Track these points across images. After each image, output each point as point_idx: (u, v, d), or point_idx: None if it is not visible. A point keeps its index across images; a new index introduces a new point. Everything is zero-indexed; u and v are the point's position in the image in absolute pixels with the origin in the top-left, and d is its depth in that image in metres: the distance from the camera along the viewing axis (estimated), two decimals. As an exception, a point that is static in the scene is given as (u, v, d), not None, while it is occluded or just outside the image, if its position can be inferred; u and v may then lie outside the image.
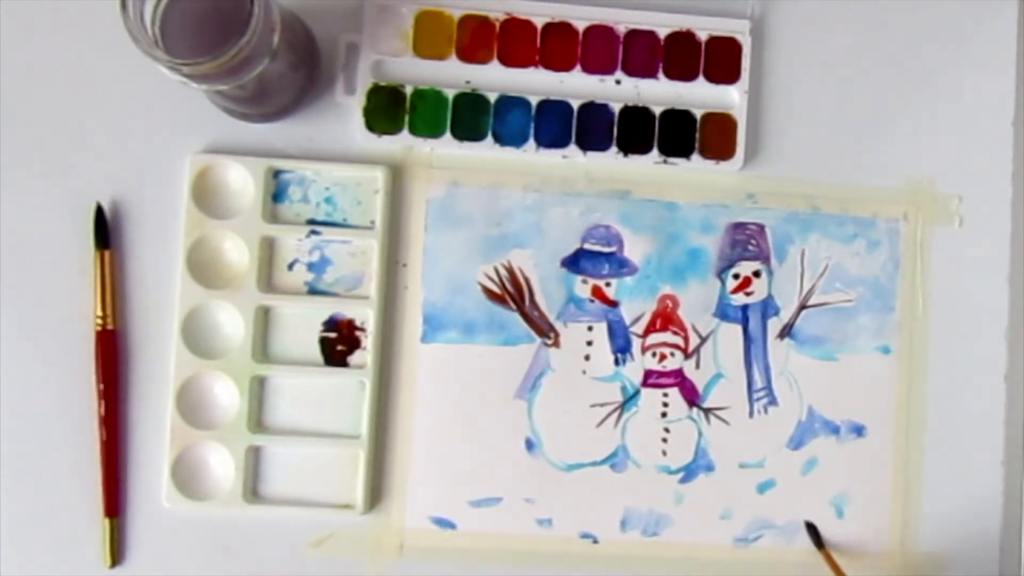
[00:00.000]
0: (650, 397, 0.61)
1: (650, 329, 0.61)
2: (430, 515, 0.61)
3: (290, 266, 0.61)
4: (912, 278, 0.62)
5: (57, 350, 0.60)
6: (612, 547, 0.61)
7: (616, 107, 0.61)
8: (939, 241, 0.63)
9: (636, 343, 0.61)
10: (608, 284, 0.61)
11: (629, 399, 0.61)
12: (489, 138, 0.61)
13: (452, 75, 0.61)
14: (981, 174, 0.63)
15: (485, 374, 0.61)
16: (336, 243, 0.61)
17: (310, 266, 0.61)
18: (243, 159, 0.60)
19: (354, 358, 0.61)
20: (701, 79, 0.62)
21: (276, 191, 0.61)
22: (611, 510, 0.61)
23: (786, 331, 0.62)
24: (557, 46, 0.61)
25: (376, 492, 0.60)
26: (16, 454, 0.60)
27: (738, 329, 0.62)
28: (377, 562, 0.60)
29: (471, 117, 0.61)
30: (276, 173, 0.61)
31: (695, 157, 0.61)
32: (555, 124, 0.61)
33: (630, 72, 0.61)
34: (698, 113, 0.61)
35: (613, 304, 0.61)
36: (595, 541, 0.61)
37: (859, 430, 0.62)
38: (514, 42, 0.61)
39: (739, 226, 0.62)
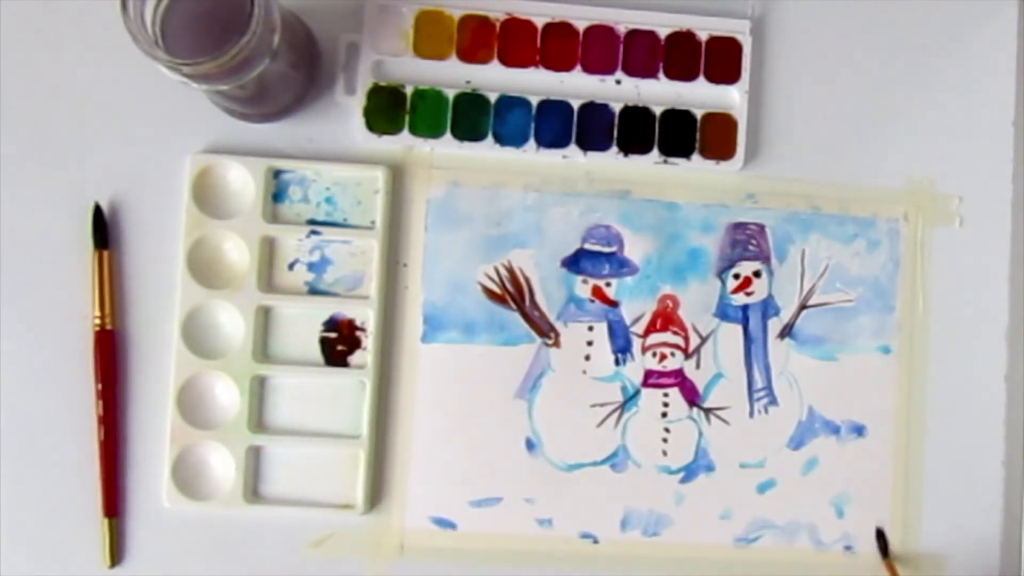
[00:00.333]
0: (650, 397, 0.61)
1: (650, 329, 0.61)
2: (430, 515, 0.61)
3: (290, 266, 0.61)
4: (912, 278, 0.62)
5: (56, 350, 0.60)
6: (612, 547, 0.61)
7: (616, 107, 0.61)
8: (939, 241, 0.63)
9: (636, 343, 0.61)
10: (608, 284, 0.61)
11: (629, 399, 0.61)
12: (489, 138, 0.61)
13: (452, 75, 0.61)
14: (981, 174, 0.63)
15: (485, 374, 0.61)
16: (336, 243, 0.61)
17: (310, 266, 0.61)
18: (243, 159, 0.60)
19: (354, 358, 0.61)
20: (701, 79, 0.62)
21: (276, 191, 0.61)
22: (611, 510, 0.61)
23: (786, 331, 0.62)
24: (557, 46, 0.61)
25: (376, 492, 0.60)
26: (16, 454, 0.60)
27: (738, 329, 0.62)
28: (377, 562, 0.60)
29: (471, 117, 0.61)
30: (276, 173, 0.61)
31: (695, 157, 0.61)
32: (555, 124, 0.61)
33: (630, 72, 0.61)
34: (698, 113, 0.61)
35: (613, 304, 0.61)
36: (595, 541, 0.61)
37: (859, 430, 0.62)
38: (514, 42, 0.61)
39: (739, 226, 0.62)
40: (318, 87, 0.61)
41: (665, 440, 0.61)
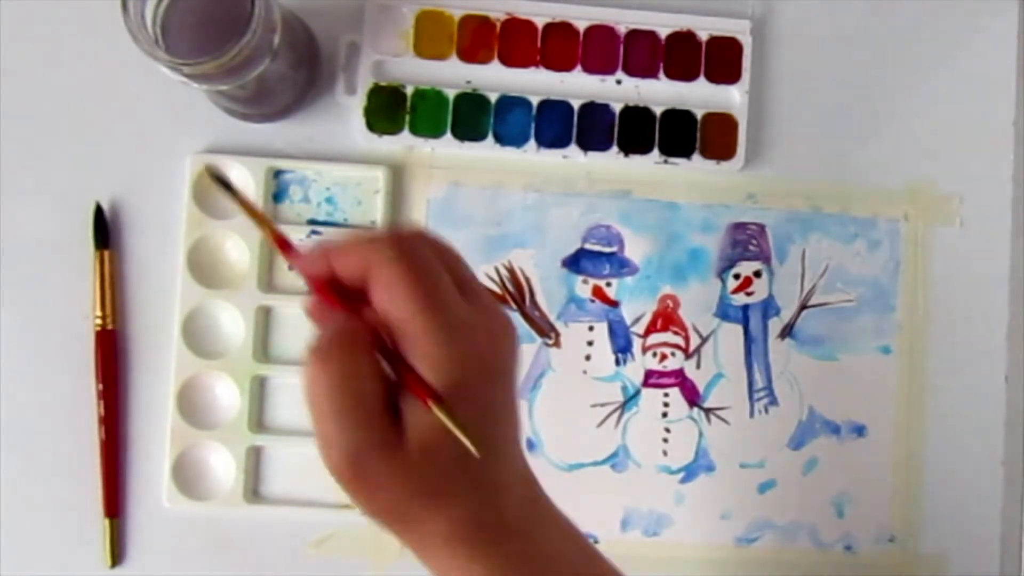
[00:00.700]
0: (651, 397, 0.61)
1: (651, 329, 0.61)
2: (430, 515, 0.60)
3: (291, 266, 0.61)
4: (912, 278, 0.62)
5: (57, 350, 0.60)
6: (612, 547, 0.61)
7: (617, 107, 0.61)
8: (939, 241, 0.63)
9: (637, 343, 0.61)
10: (609, 284, 0.61)
11: (630, 399, 0.61)
12: (490, 138, 0.61)
13: (453, 75, 0.61)
14: (981, 174, 0.63)
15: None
16: (337, 243, 0.61)
17: (311, 266, 0.61)
18: (244, 159, 0.60)
19: (355, 358, 0.60)
20: (702, 79, 0.62)
21: (277, 191, 0.61)
22: (612, 510, 0.61)
23: (787, 331, 0.62)
24: (558, 46, 0.61)
25: (376, 492, 0.60)
26: (16, 454, 0.60)
27: (739, 329, 0.62)
28: (377, 562, 0.60)
29: (472, 117, 0.61)
30: (277, 173, 0.61)
31: (696, 157, 0.61)
32: (556, 124, 0.61)
33: (631, 72, 0.61)
34: (699, 113, 0.61)
35: (614, 304, 0.61)
36: (595, 541, 0.61)
37: (859, 430, 0.62)
38: (515, 42, 0.61)
39: (740, 226, 0.62)
40: (318, 87, 0.61)
41: (665, 440, 0.61)
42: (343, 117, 0.61)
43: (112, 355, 0.60)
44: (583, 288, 0.61)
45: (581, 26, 0.61)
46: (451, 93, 0.61)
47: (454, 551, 0.41)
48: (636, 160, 0.61)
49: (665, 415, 0.61)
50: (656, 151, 0.61)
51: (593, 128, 0.61)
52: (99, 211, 0.60)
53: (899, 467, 0.62)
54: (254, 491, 0.60)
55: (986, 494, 0.62)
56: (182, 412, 0.59)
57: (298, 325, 0.61)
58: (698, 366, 0.61)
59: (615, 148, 0.61)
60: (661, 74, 0.62)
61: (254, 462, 0.60)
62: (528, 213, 0.61)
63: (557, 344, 0.61)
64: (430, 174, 0.61)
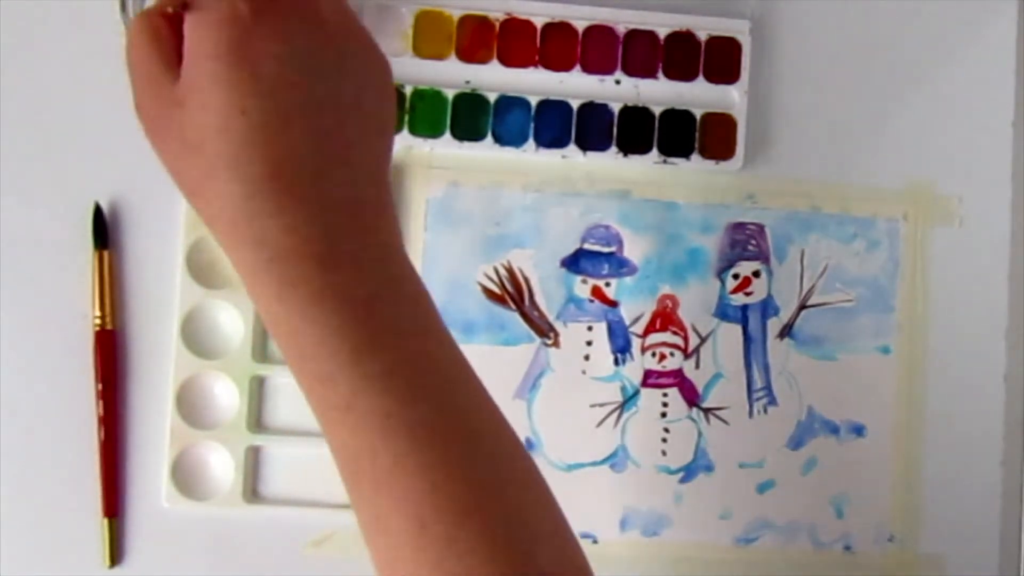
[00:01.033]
0: (650, 397, 0.61)
1: (650, 329, 0.61)
2: (430, 515, 0.60)
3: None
4: (912, 278, 0.62)
5: (56, 350, 0.60)
6: (612, 547, 0.61)
7: (616, 107, 0.61)
8: (939, 241, 0.63)
9: (636, 343, 0.61)
10: (608, 284, 0.61)
11: (629, 399, 0.61)
12: (489, 138, 0.61)
13: (452, 75, 0.61)
14: (981, 174, 0.63)
15: (485, 374, 0.60)
16: (336, 243, 0.61)
17: (310, 266, 0.61)
18: (243, 159, 0.60)
19: (354, 358, 0.60)
20: (701, 79, 0.61)
21: (276, 191, 0.61)
22: (611, 510, 0.61)
23: (786, 331, 0.62)
24: (557, 46, 0.61)
25: (376, 492, 0.60)
26: (16, 454, 0.60)
27: (738, 329, 0.62)
28: (377, 562, 0.60)
29: (471, 117, 0.61)
30: (276, 173, 0.61)
31: (695, 157, 0.61)
32: (555, 124, 0.61)
33: (630, 72, 0.61)
34: (698, 113, 0.61)
35: (613, 304, 0.61)
36: (595, 541, 0.61)
37: (859, 430, 0.62)
38: (514, 42, 0.61)
39: (739, 226, 0.62)
40: (318, 87, 0.61)
41: (664, 440, 0.61)
42: (342, 117, 0.61)
43: (111, 355, 0.60)
44: (582, 288, 0.61)
45: (580, 26, 0.61)
46: (450, 93, 0.61)
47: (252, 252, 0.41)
48: (635, 160, 0.61)
49: (664, 415, 0.61)
50: (655, 151, 0.61)
51: (592, 128, 0.61)
52: (98, 211, 0.60)
53: (899, 467, 0.62)
54: (253, 491, 0.60)
55: (986, 494, 0.62)
56: (181, 412, 0.59)
57: (297, 325, 0.61)
58: (697, 366, 0.61)
59: (614, 148, 0.61)
60: (660, 74, 0.61)
61: (253, 462, 0.60)
62: (527, 213, 0.61)
63: (556, 344, 0.61)
64: (429, 174, 0.61)
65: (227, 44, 0.40)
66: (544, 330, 0.61)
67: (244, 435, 0.59)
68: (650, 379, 0.61)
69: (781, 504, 0.61)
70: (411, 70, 0.61)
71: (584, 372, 0.61)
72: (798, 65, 0.63)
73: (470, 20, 0.61)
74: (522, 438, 0.60)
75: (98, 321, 0.59)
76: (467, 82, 0.61)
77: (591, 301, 0.61)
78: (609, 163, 0.61)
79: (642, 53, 0.62)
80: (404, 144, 0.61)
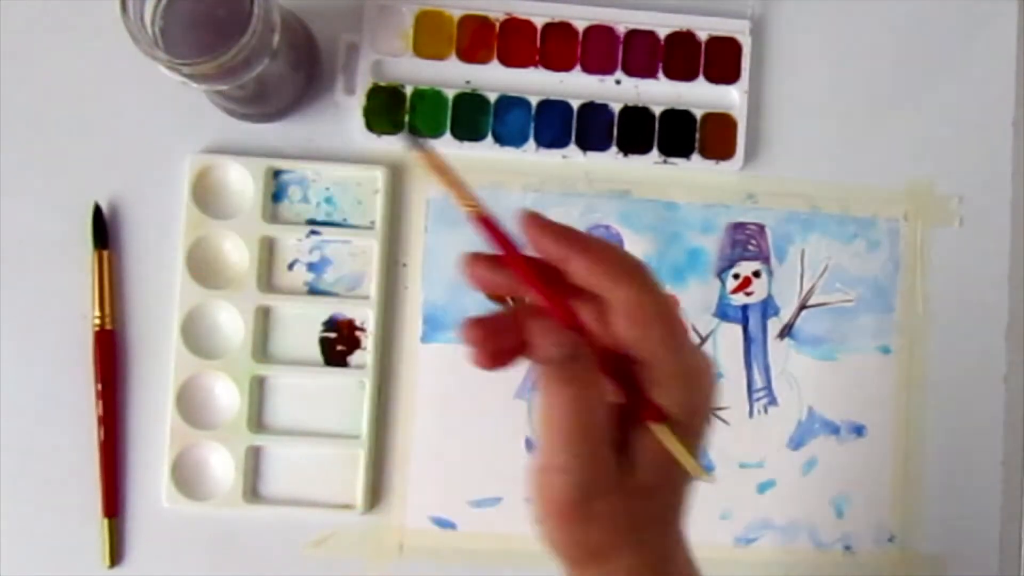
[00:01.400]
0: (650, 397, 0.61)
1: (650, 329, 0.61)
2: (430, 515, 0.61)
3: (290, 266, 0.61)
4: (912, 278, 0.62)
5: (56, 350, 0.60)
6: (612, 547, 0.61)
7: (616, 107, 0.61)
8: (939, 241, 0.63)
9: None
10: (608, 284, 0.61)
11: (629, 399, 0.61)
12: (489, 138, 0.61)
13: (452, 75, 0.61)
14: (981, 174, 0.63)
15: (485, 374, 0.61)
16: (336, 243, 0.61)
17: (310, 266, 0.61)
18: (243, 159, 0.60)
19: (354, 358, 0.61)
20: (701, 79, 0.61)
21: (276, 191, 0.61)
22: (611, 510, 0.61)
23: (786, 331, 0.62)
24: (557, 46, 0.61)
25: (376, 492, 0.60)
26: (16, 454, 0.60)
27: (738, 329, 0.62)
28: (377, 562, 0.60)
29: (471, 117, 0.61)
30: (276, 173, 0.61)
31: (695, 157, 0.61)
32: (555, 124, 0.61)
33: (630, 72, 0.61)
34: (698, 113, 0.61)
35: (613, 304, 0.61)
36: (595, 541, 0.61)
37: (859, 430, 0.62)
38: (514, 42, 0.61)
39: (739, 226, 0.62)
40: (318, 87, 0.61)
41: (665, 440, 0.61)
42: (342, 117, 0.61)
43: (111, 355, 0.60)
44: (582, 288, 0.61)
45: (580, 26, 0.61)
46: (450, 93, 0.61)
47: None
48: (635, 160, 0.61)
49: (664, 415, 0.61)
50: (655, 151, 0.61)
51: (592, 128, 0.61)
52: (98, 211, 0.60)
53: (899, 467, 0.62)
54: (253, 491, 0.60)
55: (986, 494, 0.62)
56: (181, 412, 0.59)
57: (298, 325, 0.61)
58: (697, 366, 0.61)
59: (614, 148, 0.61)
60: (660, 74, 0.62)
61: (253, 462, 0.60)
62: (527, 213, 0.61)
63: (556, 344, 0.61)
64: (430, 174, 0.61)
65: None
66: (544, 330, 0.61)
67: (244, 435, 0.59)
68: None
69: (781, 504, 0.61)
70: (411, 70, 0.61)
71: (584, 372, 0.61)
72: (798, 65, 0.63)
73: (470, 20, 0.61)
74: (522, 438, 0.61)
75: (98, 321, 0.59)
76: (467, 82, 0.61)
77: (591, 301, 0.61)
78: (609, 163, 0.61)
79: (642, 53, 0.62)
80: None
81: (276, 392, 0.61)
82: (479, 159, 0.61)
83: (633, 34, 0.61)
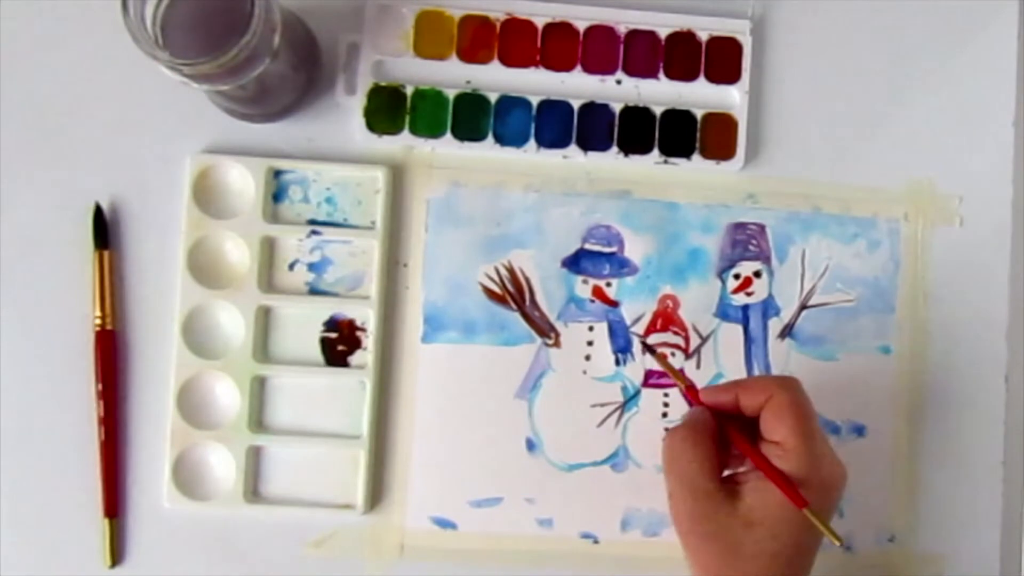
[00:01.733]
0: (651, 397, 0.61)
1: (651, 329, 0.61)
2: (430, 515, 0.61)
3: (291, 266, 0.61)
4: (912, 278, 0.62)
5: (56, 350, 0.60)
6: (613, 547, 0.61)
7: (617, 107, 0.61)
8: (939, 241, 0.63)
9: (637, 343, 0.61)
10: (609, 284, 0.61)
11: (630, 399, 0.61)
12: (490, 138, 0.61)
13: (453, 75, 0.61)
14: (981, 174, 0.63)
15: (485, 374, 0.61)
16: (337, 243, 0.61)
17: (311, 266, 0.61)
18: (244, 159, 0.60)
19: (355, 358, 0.61)
20: (702, 79, 0.62)
21: (277, 191, 0.61)
22: (612, 510, 0.61)
23: (787, 331, 0.62)
24: (558, 46, 0.61)
25: (376, 492, 0.60)
26: (16, 454, 0.60)
27: (739, 329, 0.62)
28: (377, 562, 0.60)
29: (472, 117, 0.61)
30: (277, 173, 0.61)
31: (696, 157, 0.61)
32: (556, 124, 0.61)
33: (631, 72, 0.61)
34: (699, 113, 0.61)
35: (614, 304, 0.61)
36: (596, 541, 0.61)
37: (859, 430, 0.62)
38: (515, 42, 0.61)
39: (740, 226, 0.62)
40: (318, 87, 0.61)
41: (665, 440, 0.61)
42: (343, 117, 0.61)
43: (112, 355, 0.60)
44: (583, 288, 0.61)
45: (581, 26, 0.61)
46: (451, 93, 0.61)
47: None
48: (636, 160, 0.61)
49: (665, 415, 0.61)
50: (656, 151, 0.61)
51: (593, 128, 0.61)
52: (99, 211, 0.60)
53: (899, 467, 0.62)
54: (254, 491, 0.60)
55: (986, 494, 0.62)
56: (182, 412, 0.59)
57: (298, 325, 0.61)
58: (698, 366, 0.61)
59: (615, 148, 0.61)
60: (661, 74, 0.62)
61: (254, 462, 0.60)
62: (528, 213, 0.61)
63: (557, 344, 0.61)
64: (430, 174, 0.61)
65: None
66: (545, 330, 0.61)
67: (245, 435, 0.59)
68: (651, 379, 0.61)
69: (782, 504, 0.61)
70: (412, 70, 0.61)
71: (585, 372, 0.61)
72: (798, 65, 0.63)
73: (471, 20, 0.61)
74: (523, 438, 0.61)
75: (98, 321, 0.59)
76: (468, 82, 0.61)
77: (592, 301, 0.61)
78: (610, 163, 0.61)
79: (643, 53, 0.62)
80: (405, 144, 0.61)
81: (277, 392, 0.61)
82: (480, 159, 0.61)
83: (634, 34, 0.62)
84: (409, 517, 0.60)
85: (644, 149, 0.61)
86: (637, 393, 0.61)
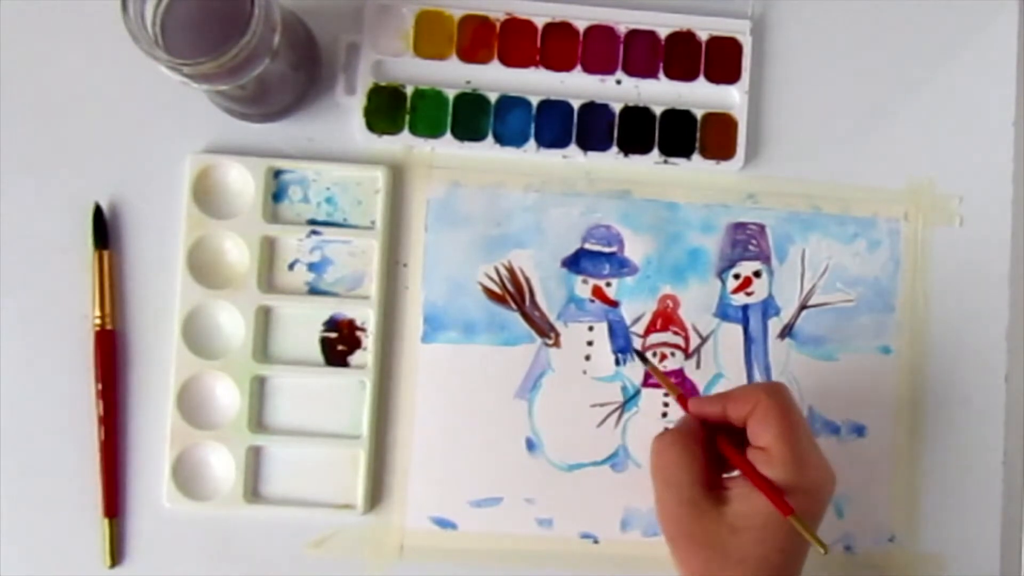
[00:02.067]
0: (651, 397, 0.61)
1: (651, 329, 0.61)
2: (430, 515, 0.61)
3: (291, 266, 0.61)
4: (912, 278, 0.62)
5: (56, 350, 0.60)
6: (612, 547, 0.61)
7: (616, 107, 0.61)
8: (939, 241, 0.63)
9: (637, 343, 0.61)
10: (609, 284, 0.61)
11: (630, 399, 0.61)
12: (490, 138, 0.61)
13: (452, 75, 0.61)
14: (981, 174, 0.63)
15: (485, 374, 0.61)
16: (336, 243, 0.61)
17: (311, 266, 0.61)
18: (243, 159, 0.60)
19: (354, 358, 0.61)
20: (702, 79, 0.62)
21: (276, 191, 0.61)
22: (611, 510, 0.61)
23: (787, 331, 0.62)
24: (557, 46, 0.61)
25: (376, 492, 0.60)
26: (16, 454, 0.60)
27: (738, 329, 0.62)
28: (377, 562, 0.60)
29: (471, 117, 0.61)
30: (276, 173, 0.61)
31: (695, 157, 0.61)
32: (555, 124, 0.61)
33: (631, 72, 0.61)
34: (698, 113, 0.61)
35: (614, 304, 0.61)
36: (595, 541, 0.61)
37: (859, 430, 0.62)
38: (514, 42, 0.61)
39: (740, 226, 0.62)
40: (318, 87, 0.61)
41: (665, 440, 0.61)
42: (343, 117, 0.61)
43: (111, 355, 0.60)
44: (583, 288, 0.61)
45: (581, 26, 0.61)
46: (451, 93, 0.61)
47: None
48: (636, 160, 0.61)
49: (665, 415, 0.61)
50: (656, 151, 0.61)
51: (593, 128, 0.61)
52: (98, 211, 0.60)
53: (899, 467, 0.62)
54: (254, 491, 0.60)
55: (986, 494, 0.62)
56: (182, 412, 0.59)
57: (298, 325, 0.61)
58: (698, 366, 0.61)
59: (615, 148, 0.61)
60: (661, 74, 0.62)
61: (254, 462, 0.60)
62: (528, 213, 0.61)
63: (557, 344, 0.61)
64: (430, 174, 0.61)
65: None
66: (545, 330, 0.61)
67: (245, 435, 0.59)
68: (651, 379, 0.61)
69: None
70: (412, 70, 0.61)
71: (585, 372, 0.61)
72: (798, 65, 0.63)
73: (471, 20, 0.61)
74: (523, 438, 0.61)
75: (98, 321, 0.59)
76: (468, 82, 0.61)
77: (592, 301, 0.61)
78: (610, 163, 0.61)
79: (643, 53, 0.62)
80: (405, 144, 0.61)
81: (277, 392, 0.61)
82: (480, 159, 0.61)
83: (634, 34, 0.62)
84: (409, 517, 0.60)
85: (644, 149, 0.61)
86: (637, 393, 0.61)
